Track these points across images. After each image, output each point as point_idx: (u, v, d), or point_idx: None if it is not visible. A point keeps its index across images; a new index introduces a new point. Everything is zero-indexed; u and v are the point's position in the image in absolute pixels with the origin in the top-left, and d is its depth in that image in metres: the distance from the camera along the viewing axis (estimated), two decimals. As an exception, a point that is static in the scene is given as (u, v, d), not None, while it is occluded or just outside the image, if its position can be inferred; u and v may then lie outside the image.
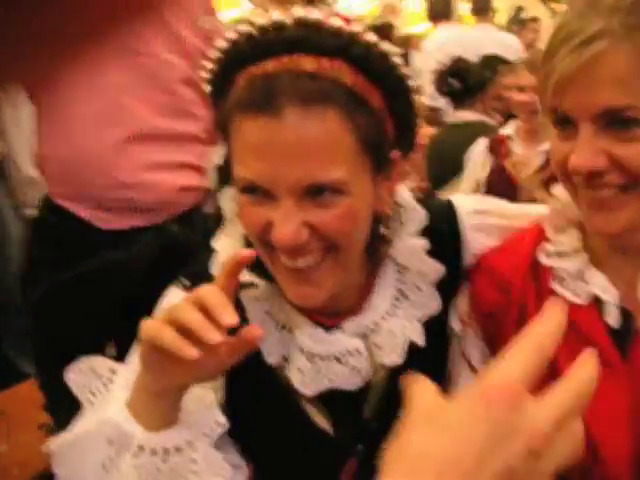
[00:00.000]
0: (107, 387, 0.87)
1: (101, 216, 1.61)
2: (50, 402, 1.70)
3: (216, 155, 1.72)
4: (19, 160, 2.49)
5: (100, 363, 0.89)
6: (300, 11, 0.79)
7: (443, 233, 0.99)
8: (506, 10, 6.73)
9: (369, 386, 0.96)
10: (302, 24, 0.80)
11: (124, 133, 1.59)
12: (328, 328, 0.94)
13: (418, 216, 0.97)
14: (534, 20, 6.14)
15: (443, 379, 1.01)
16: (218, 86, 0.86)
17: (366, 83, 0.82)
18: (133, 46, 1.58)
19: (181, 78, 1.68)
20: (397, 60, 0.84)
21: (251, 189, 0.81)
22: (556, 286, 0.94)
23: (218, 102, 0.86)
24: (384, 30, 4.25)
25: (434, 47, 4.29)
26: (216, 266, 0.94)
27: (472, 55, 3.54)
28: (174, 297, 0.94)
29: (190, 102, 1.70)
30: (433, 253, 0.97)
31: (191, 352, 0.71)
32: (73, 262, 1.58)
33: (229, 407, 0.92)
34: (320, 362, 0.92)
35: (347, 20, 0.82)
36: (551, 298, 0.91)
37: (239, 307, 0.91)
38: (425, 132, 3.28)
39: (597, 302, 0.91)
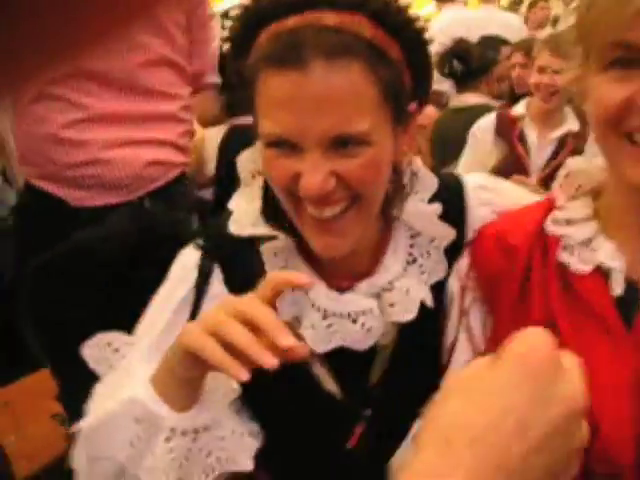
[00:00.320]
0: (126, 360, 0.89)
1: (75, 195, 1.64)
2: (63, 387, 1.71)
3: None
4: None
5: (116, 337, 0.91)
6: None
7: (450, 204, 1.01)
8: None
9: (376, 350, 0.99)
10: None
11: (83, 115, 1.62)
12: (341, 290, 0.97)
13: (430, 182, 1.00)
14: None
15: (441, 347, 1.02)
16: (240, 44, 0.88)
17: (385, 36, 0.84)
18: None
19: (153, 59, 1.68)
20: (412, 14, 0.87)
21: (278, 143, 0.83)
22: (562, 255, 0.93)
23: (239, 61, 0.88)
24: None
25: (437, 29, 4.25)
26: (233, 225, 0.96)
27: (475, 36, 3.50)
28: (188, 258, 0.97)
29: (164, 82, 1.71)
30: (443, 219, 0.99)
31: (244, 376, 0.72)
32: (53, 243, 1.59)
33: None
34: (334, 319, 0.95)
35: None
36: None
37: (259, 260, 0.94)
38: (429, 113, 3.25)
39: (603, 273, 0.91)
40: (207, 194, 2.62)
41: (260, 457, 0.91)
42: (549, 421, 0.48)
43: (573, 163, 0.98)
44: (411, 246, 1.00)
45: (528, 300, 0.93)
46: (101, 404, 0.85)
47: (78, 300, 1.47)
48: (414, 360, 0.99)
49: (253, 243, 0.96)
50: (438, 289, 1.00)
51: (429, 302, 0.99)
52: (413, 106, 0.92)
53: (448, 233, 0.99)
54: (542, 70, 2.52)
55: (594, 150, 0.94)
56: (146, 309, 0.96)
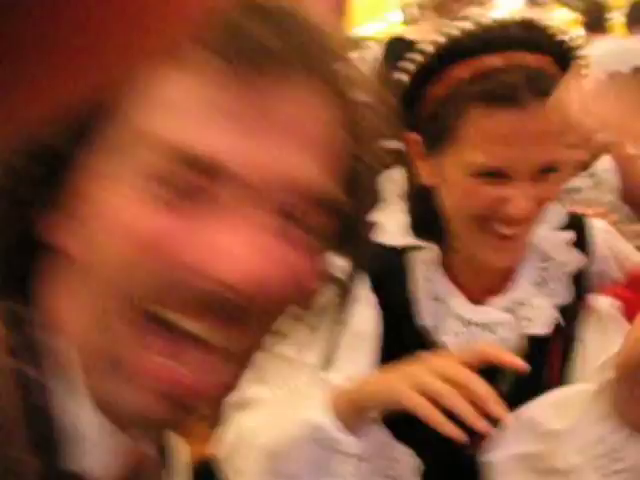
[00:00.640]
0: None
1: None
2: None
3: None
4: None
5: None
6: (522, 12, 0.93)
7: (577, 234, 1.09)
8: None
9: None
10: (524, 23, 0.94)
11: None
12: (477, 303, 1.06)
13: (558, 211, 1.09)
14: None
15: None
16: (425, 77, 0.97)
17: (560, 74, 0.96)
18: None
19: None
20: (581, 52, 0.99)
21: (488, 173, 0.93)
22: None
23: (423, 87, 0.97)
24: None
25: (593, 62, 4.11)
26: (384, 236, 1.05)
27: (629, 67, 3.38)
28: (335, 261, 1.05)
29: None
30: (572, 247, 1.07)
31: (463, 438, 0.79)
32: None
33: None
34: (474, 328, 1.04)
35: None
36: None
37: (404, 269, 1.04)
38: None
39: None
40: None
41: None
42: None
43: None
44: (542, 269, 1.07)
45: None
46: (274, 419, 0.93)
47: None
48: (538, 377, 1.03)
49: (398, 253, 1.05)
50: (563, 313, 1.06)
51: (561, 322, 1.05)
52: None
53: (579, 260, 1.06)
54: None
55: None
56: None
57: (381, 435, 0.92)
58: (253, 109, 0.44)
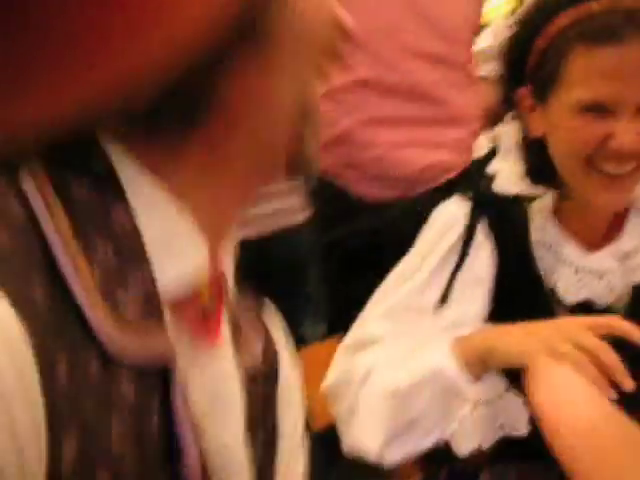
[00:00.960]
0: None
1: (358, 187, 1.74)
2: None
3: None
4: None
5: None
6: None
7: None
8: None
9: (611, 312, 1.07)
10: None
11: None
12: (588, 250, 1.08)
13: None
14: None
15: None
16: (531, 31, 1.02)
17: None
18: None
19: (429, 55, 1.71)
20: None
21: (592, 108, 0.96)
22: None
23: (530, 42, 1.02)
24: None
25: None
26: (502, 185, 1.09)
27: None
28: (457, 208, 1.09)
29: (433, 84, 1.72)
30: None
31: (613, 395, 0.81)
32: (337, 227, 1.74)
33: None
34: (584, 275, 1.06)
35: None
36: None
37: (522, 217, 1.07)
38: None
39: None
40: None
41: None
42: None
43: None
44: None
45: None
46: (398, 360, 0.98)
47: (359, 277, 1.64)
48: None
49: (515, 202, 1.08)
50: None
51: None
52: None
53: None
54: None
55: None
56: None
57: (499, 384, 0.96)
58: None
